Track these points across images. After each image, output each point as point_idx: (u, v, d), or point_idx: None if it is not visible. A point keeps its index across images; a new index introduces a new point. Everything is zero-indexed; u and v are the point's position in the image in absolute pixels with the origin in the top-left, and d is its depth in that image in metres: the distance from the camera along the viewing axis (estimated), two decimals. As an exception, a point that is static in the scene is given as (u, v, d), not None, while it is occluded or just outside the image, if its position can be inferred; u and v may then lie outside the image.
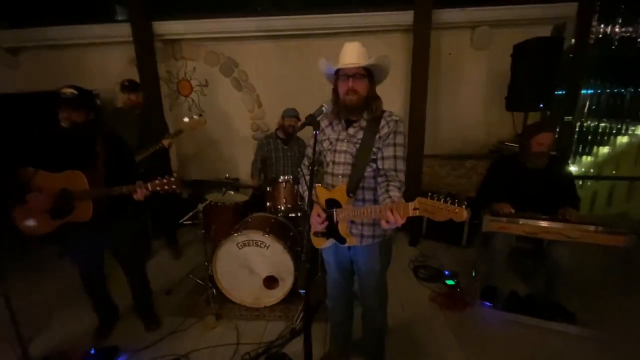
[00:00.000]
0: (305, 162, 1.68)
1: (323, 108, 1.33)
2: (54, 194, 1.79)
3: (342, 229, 1.43)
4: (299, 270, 2.30)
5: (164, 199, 3.08)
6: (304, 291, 1.22)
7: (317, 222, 1.45)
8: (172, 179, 1.77)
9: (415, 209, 1.13)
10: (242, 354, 1.97)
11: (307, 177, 1.60)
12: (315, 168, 1.60)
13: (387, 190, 1.32)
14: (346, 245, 1.47)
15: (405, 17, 3.44)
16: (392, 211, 1.17)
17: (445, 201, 1.07)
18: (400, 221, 1.16)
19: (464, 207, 1.05)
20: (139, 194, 1.77)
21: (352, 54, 1.37)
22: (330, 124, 1.53)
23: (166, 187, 1.78)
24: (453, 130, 3.90)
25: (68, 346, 2.10)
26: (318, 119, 1.34)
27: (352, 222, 1.47)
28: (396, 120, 1.42)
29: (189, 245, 3.48)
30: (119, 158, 1.93)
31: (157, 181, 1.78)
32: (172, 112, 4.00)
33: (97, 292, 2.17)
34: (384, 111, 1.45)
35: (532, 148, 2.22)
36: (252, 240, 2.32)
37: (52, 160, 1.78)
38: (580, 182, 4.37)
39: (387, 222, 1.18)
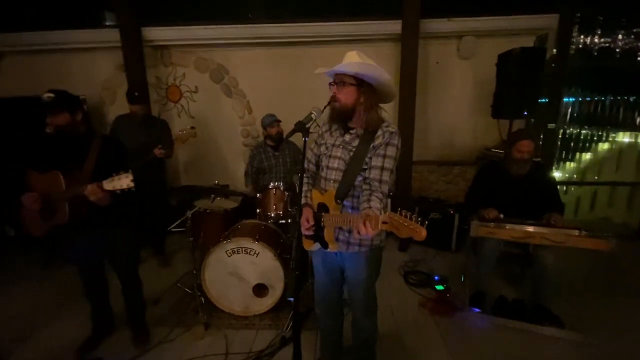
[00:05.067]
0: (305, 165, 1.68)
1: (312, 115, 1.33)
2: (41, 196, 1.76)
3: (327, 234, 1.44)
4: (288, 278, 2.28)
5: (151, 205, 3.07)
6: (292, 299, 1.21)
7: (304, 226, 1.47)
8: (126, 174, 1.65)
9: (384, 222, 1.14)
10: (231, 364, 1.94)
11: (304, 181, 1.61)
12: (307, 173, 1.62)
13: (369, 200, 1.33)
14: (329, 250, 1.48)
15: (394, 27, 3.51)
16: (364, 222, 1.17)
17: (411, 219, 1.08)
18: (372, 233, 1.17)
19: (424, 227, 1.07)
20: (89, 192, 1.66)
21: (344, 62, 1.36)
22: (330, 129, 1.54)
23: (122, 185, 1.64)
24: (441, 137, 3.97)
25: (50, 358, 2.03)
26: (320, 123, 1.32)
27: (340, 228, 1.47)
28: (391, 132, 1.40)
29: (177, 253, 3.42)
30: (113, 162, 1.82)
31: (109, 178, 1.65)
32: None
33: (97, 299, 2.13)
34: (383, 121, 1.43)
35: (513, 155, 2.30)
36: (242, 248, 2.30)
37: (43, 162, 1.76)
38: (564, 188, 4.48)
39: (359, 232, 1.19)
